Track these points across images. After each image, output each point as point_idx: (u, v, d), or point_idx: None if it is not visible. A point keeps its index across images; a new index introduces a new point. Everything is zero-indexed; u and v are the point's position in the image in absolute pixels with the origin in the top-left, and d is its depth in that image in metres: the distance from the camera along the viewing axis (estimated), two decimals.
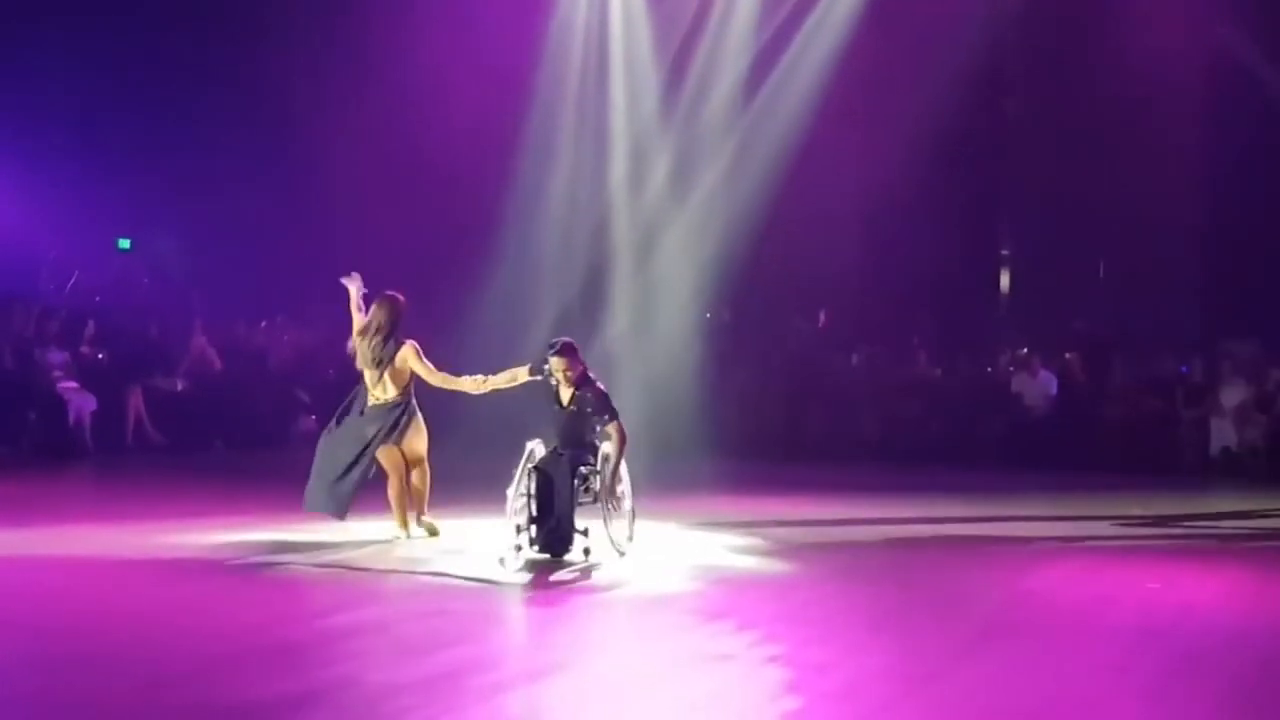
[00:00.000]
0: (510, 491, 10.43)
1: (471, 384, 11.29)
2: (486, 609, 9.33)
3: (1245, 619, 9.35)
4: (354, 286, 11.54)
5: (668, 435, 17.10)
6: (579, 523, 10.55)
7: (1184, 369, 19.81)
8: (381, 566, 10.44)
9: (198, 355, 18.80)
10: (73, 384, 17.12)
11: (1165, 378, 19.74)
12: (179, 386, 18.36)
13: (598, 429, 10.89)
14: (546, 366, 10.90)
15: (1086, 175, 21.12)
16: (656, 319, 19.82)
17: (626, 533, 10.90)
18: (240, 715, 6.63)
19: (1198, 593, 10.20)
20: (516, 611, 9.13)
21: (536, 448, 10.72)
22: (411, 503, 11.48)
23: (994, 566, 11.19)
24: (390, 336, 11.21)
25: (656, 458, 16.00)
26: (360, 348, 11.31)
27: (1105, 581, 10.60)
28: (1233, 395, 18.56)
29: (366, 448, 11.24)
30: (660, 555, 11.06)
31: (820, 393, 20.17)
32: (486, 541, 10.64)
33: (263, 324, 20.34)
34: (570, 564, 10.35)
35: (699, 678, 7.52)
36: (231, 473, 16.10)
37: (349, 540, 11.28)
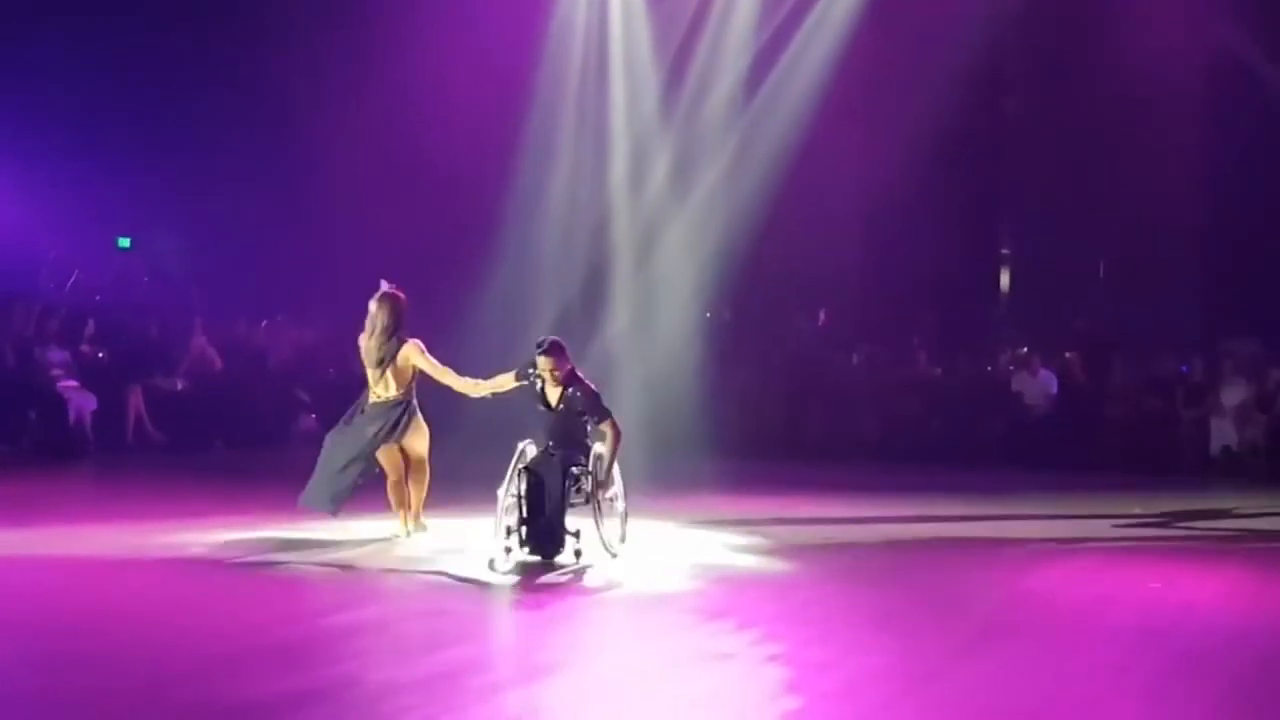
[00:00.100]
0: (500, 492, 10.35)
1: (468, 385, 11.23)
2: (486, 608, 9.34)
3: (1245, 619, 9.35)
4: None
5: (668, 434, 17.11)
6: (571, 524, 10.40)
7: (1184, 368, 19.81)
8: (381, 566, 10.44)
9: (198, 354, 18.79)
10: (73, 383, 17.10)
11: (1165, 377, 19.74)
12: (179, 386, 18.35)
13: (590, 428, 10.79)
14: (531, 370, 10.76)
15: (1086, 175, 21.14)
16: (657, 318, 19.81)
17: (619, 534, 10.80)
18: (240, 714, 6.63)
19: (1198, 592, 10.20)
20: (516, 611, 9.13)
21: (528, 448, 10.63)
22: (409, 505, 11.52)
23: (994, 566, 11.19)
24: (393, 334, 11.18)
25: (657, 456, 16.04)
26: (365, 346, 11.32)
27: (1105, 581, 10.60)
28: (1233, 395, 18.57)
29: (366, 446, 11.24)
30: (660, 554, 11.06)
31: (820, 392, 20.17)
32: (486, 541, 10.56)
33: (263, 323, 20.33)
34: (562, 566, 10.25)
35: (699, 677, 7.52)
36: (231, 472, 16.09)
37: (349, 539, 11.28)
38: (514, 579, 9.92)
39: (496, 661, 7.85)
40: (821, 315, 21.80)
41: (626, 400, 17.43)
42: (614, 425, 10.69)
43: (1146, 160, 20.13)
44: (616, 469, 10.84)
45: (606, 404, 10.81)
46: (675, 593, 9.74)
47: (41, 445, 16.59)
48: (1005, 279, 23.23)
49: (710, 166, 20.36)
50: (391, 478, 11.41)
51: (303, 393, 19.55)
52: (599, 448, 10.73)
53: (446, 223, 20.06)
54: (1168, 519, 14.06)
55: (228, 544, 10.93)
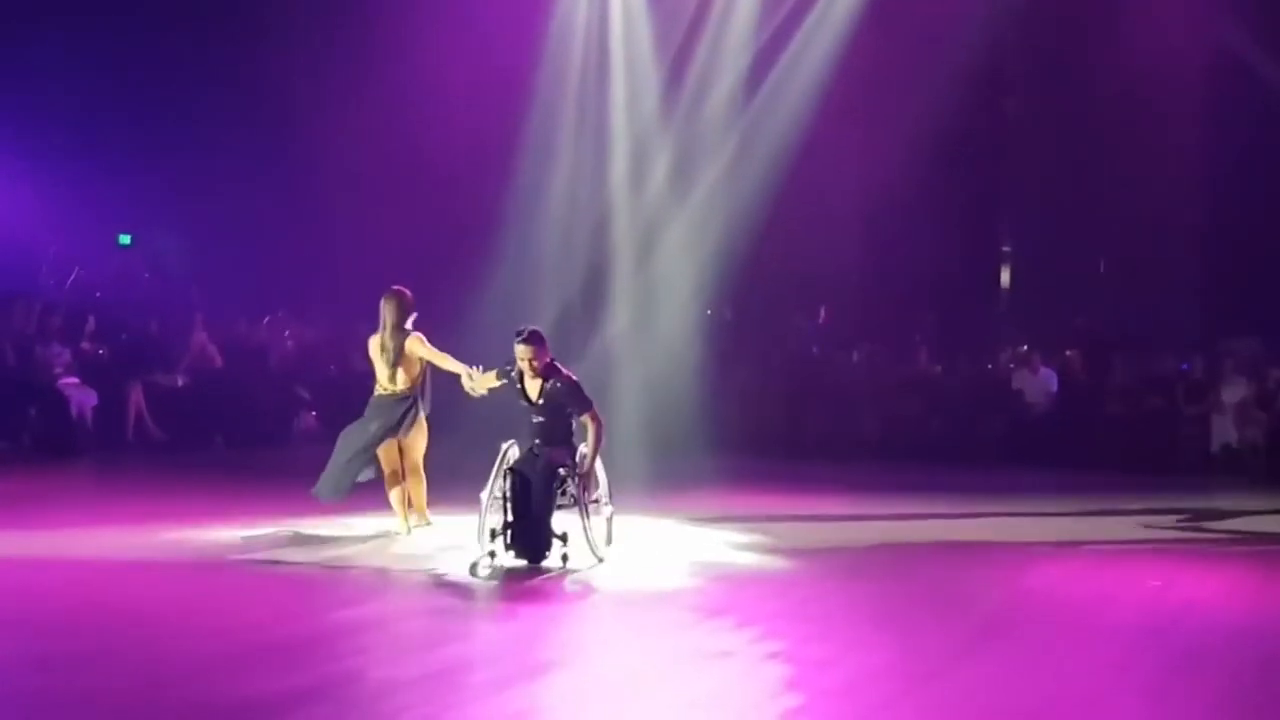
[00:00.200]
0: (484, 494, 10.16)
1: (463, 370, 11.25)
2: (486, 606, 9.34)
3: (1246, 617, 9.36)
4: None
5: (668, 433, 17.15)
6: (557, 526, 10.16)
7: (1184, 366, 19.81)
8: (381, 564, 10.45)
9: (198, 351, 18.79)
10: (74, 380, 17.11)
11: (1166, 375, 19.75)
12: (180, 383, 18.34)
13: (575, 424, 10.58)
14: (509, 366, 10.57)
15: (1087, 174, 21.15)
16: (657, 317, 19.81)
17: (605, 535, 10.61)
18: (241, 713, 6.63)
19: (1198, 591, 10.21)
20: (516, 608, 9.12)
21: (511, 449, 10.42)
22: (410, 505, 11.59)
23: (994, 564, 11.19)
24: (399, 329, 11.34)
25: (657, 455, 16.08)
26: (378, 342, 11.47)
27: (1105, 579, 10.61)
28: (1233, 393, 18.58)
29: (370, 440, 11.38)
30: (660, 552, 11.07)
31: (821, 391, 20.17)
32: (470, 544, 10.43)
33: (265, 320, 20.33)
34: (548, 570, 10.02)
35: (699, 675, 7.53)
36: (232, 469, 16.09)
37: (349, 537, 11.30)
38: (514, 577, 9.89)
39: (497, 659, 7.84)
40: (822, 314, 21.80)
41: (627, 399, 17.51)
42: (595, 417, 10.43)
43: (1147, 159, 20.14)
44: (601, 469, 10.64)
45: (589, 395, 10.56)
46: (675, 590, 9.74)
47: (42, 442, 16.59)
48: (1006, 277, 23.24)
49: (710, 166, 20.36)
50: (389, 475, 11.48)
51: (303, 390, 19.56)
52: (584, 447, 10.50)
53: (446, 222, 20.07)
54: (1168, 517, 14.05)
55: (228, 541, 10.94)
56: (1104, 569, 11.08)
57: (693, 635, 8.45)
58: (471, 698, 7.02)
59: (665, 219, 20.37)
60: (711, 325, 21.05)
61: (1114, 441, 18.47)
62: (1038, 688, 7.45)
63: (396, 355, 11.34)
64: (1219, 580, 10.63)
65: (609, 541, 10.62)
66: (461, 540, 10.94)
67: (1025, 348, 20.36)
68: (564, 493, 10.33)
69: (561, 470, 10.30)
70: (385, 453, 11.44)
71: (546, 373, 10.45)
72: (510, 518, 10.05)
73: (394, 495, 11.54)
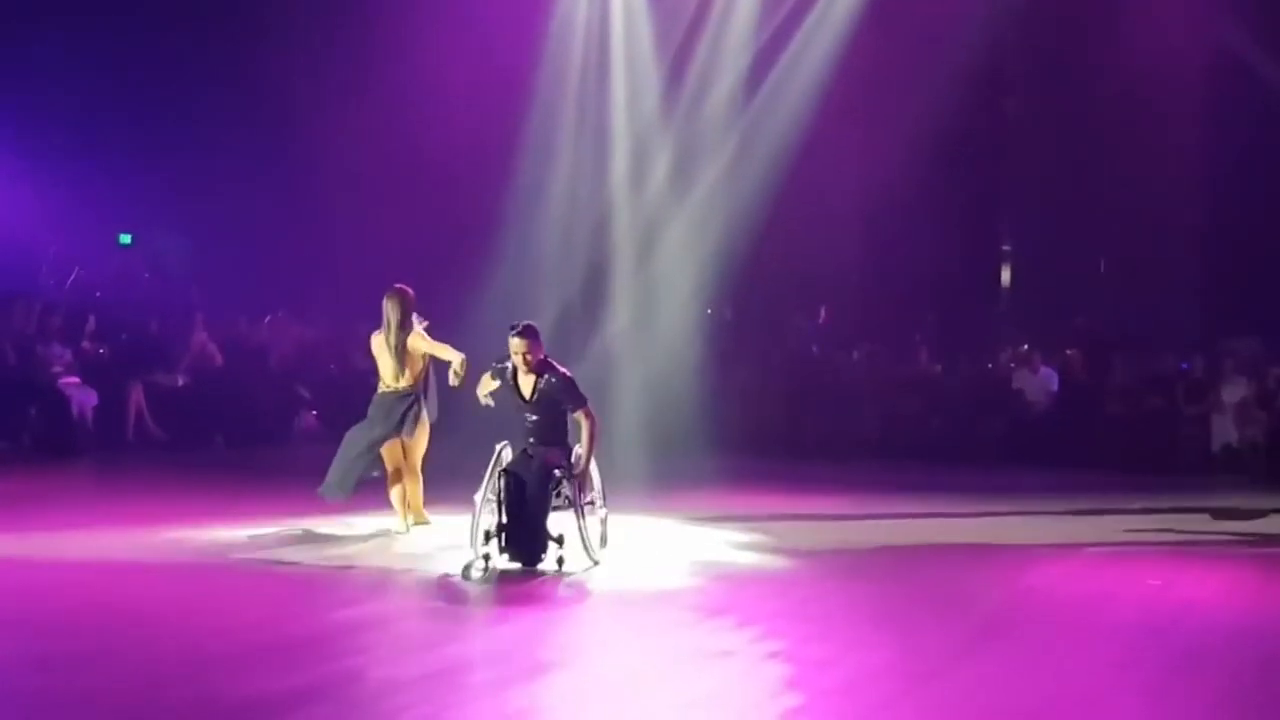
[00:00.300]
0: (477, 496, 10.01)
1: (456, 359, 11.30)
2: (487, 606, 9.34)
3: (1246, 617, 9.36)
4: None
5: (668, 432, 17.16)
6: (553, 529, 10.02)
7: (1185, 366, 19.81)
8: (382, 563, 10.46)
9: (199, 351, 18.79)
10: (74, 380, 17.11)
11: (1166, 375, 19.74)
12: (180, 382, 18.34)
13: (569, 424, 10.47)
14: (500, 364, 10.47)
15: (1087, 173, 21.16)
16: (657, 316, 19.81)
17: (599, 538, 10.47)
18: (242, 712, 6.63)
19: (1198, 590, 10.21)
20: (516, 608, 9.12)
21: (505, 450, 10.24)
22: (408, 505, 11.64)
23: (994, 563, 11.20)
24: (402, 327, 11.44)
25: (657, 454, 16.09)
26: (382, 341, 11.56)
27: (1106, 579, 10.61)
28: (1234, 392, 18.58)
29: (375, 439, 11.46)
30: (660, 551, 11.07)
31: (821, 390, 20.16)
32: (464, 547, 10.31)
33: (266, 320, 20.33)
34: (543, 573, 9.91)
35: (699, 674, 7.53)
36: (232, 469, 16.10)
37: (350, 536, 11.31)
38: (513, 577, 9.88)
39: (497, 658, 7.84)
40: (822, 313, 21.80)
41: (627, 398, 17.53)
42: (590, 414, 10.32)
43: (1147, 159, 20.14)
44: (595, 470, 10.50)
45: (583, 392, 10.47)
46: (675, 590, 9.74)
47: (43, 442, 16.59)
48: (1006, 277, 23.24)
49: (711, 165, 20.36)
50: (391, 473, 11.52)
51: (304, 389, 19.56)
52: (579, 448, 10.38)
53: (447, 222, 20.07)
54: (1168, 516, 14.04)
55: (228, 541, 10.94)
56: (1104, 568, 11.08)
57: (693, 635, 8.45)
58: (472, 697, 7.02)
59: (665, 218, 20.37)
60: (712, 325, 21.06)
61: (1114, 441, 18.47)
62: (1038, 687, 7.46)
63: (399, 353, 11.44)
64: (1219, 580, 10.63)
65: (603, 544, 10.51)
66: (461, 540, 10.92)
67: (1025, 347, 20.35)
68: (558, 494, 10.21)
69: (557, 471, 10.19)
70: (389, 451, 11.54)
71: (540, 369, 10.36)
72: (505, 520, 9.93)
73: (394, 494, 11.62)
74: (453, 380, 11.25)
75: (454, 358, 11.30)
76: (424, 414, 11.54)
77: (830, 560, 11.05)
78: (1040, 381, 19.68)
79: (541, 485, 10.02)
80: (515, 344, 10.32)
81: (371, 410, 11.60)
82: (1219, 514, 14.50)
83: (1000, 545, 12.08)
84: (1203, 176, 20.43)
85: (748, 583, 10.09)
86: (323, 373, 20.08)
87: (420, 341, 11.45)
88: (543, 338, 10.58)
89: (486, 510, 9.98)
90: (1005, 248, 23.34)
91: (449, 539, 11.03)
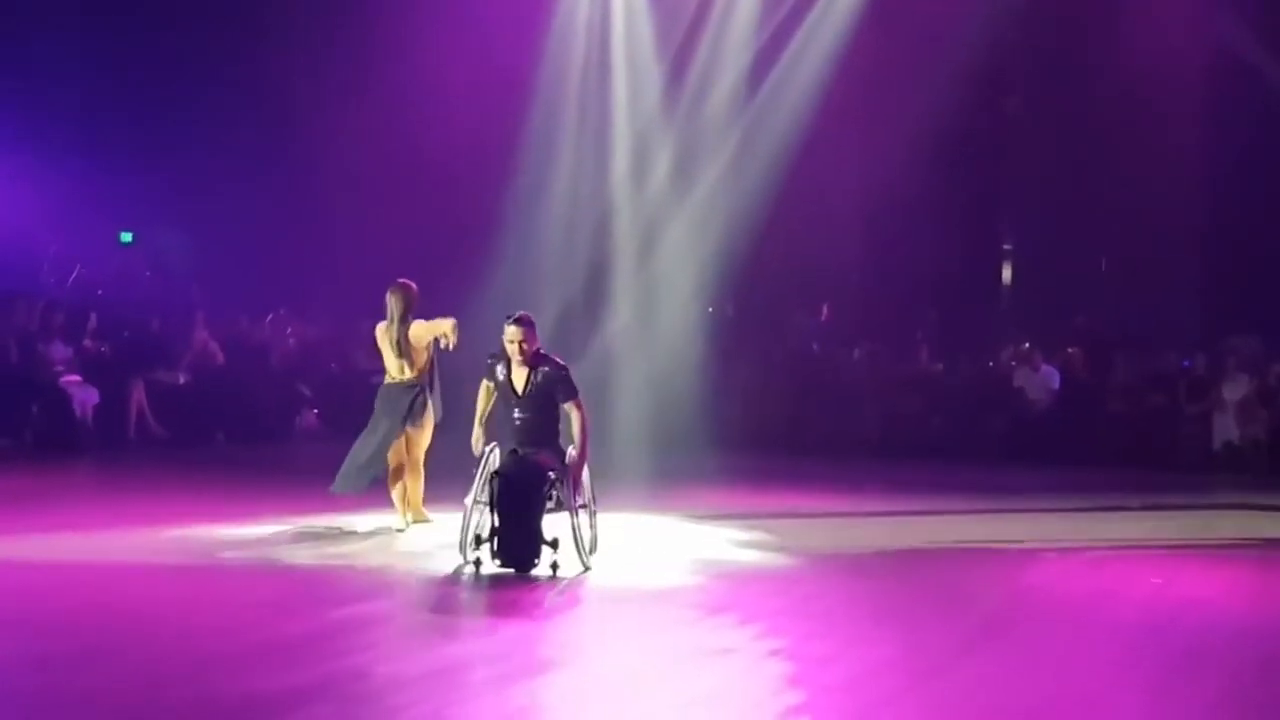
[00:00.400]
0: (468, 500, 9.91)
1: (448, 324, 11.36)
2: (490, 603, 9.33)
3: (1247, 616, 9.36)
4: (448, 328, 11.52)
5: (670, 430, 17.17)
6: (547, 533, 9.75)
7: (1186, 364, 19.82)
8: (383, 560, 10.45)
9: (200, 349, 18.80)
10: (76, 378, 17.12)
11: (1168, 373, 19.75)
12: (181, 380, 18.35)
13: (560, 407, 10.15)
14: (492, 360, 10.26)
15: (1088, 172, 21.15)
16: (659, 315, 19.83)
17: (589, 541, 10.18)
18: (244, 710, 6.63)
19: (1199, 589, 10.22)
20: (520, 605, 9.11)
21: (494, 453, 10.09)
22: (408, 502, 11.66)
23: (996, 562, 11.21)
24: (403, 320, 11.50)
25: (659, 452, 16.10)
26: (385, 333, 11.61)
27: (1107, 577, 10.61)
28: (1235, 390, 18.57)
29: (387, 437, 11.46)
30: (661, 549, 11.07)
31: (822, 388, 20.17)
32: (454, 554, 10.16)
33: (268, 318, 20.34)
34: (536, 578, 9.68)
35: (701, 672, 7.53)
36: (233, 467, 16.10)
37: (351, 534, 11.32)
38: (514, 577, 9.81)
39: (499, 656, 7.84)
40: (824, 311, 21.79)
41: (629, 396, 17.54)
42: (581, 406, 10.11)
43: (1148, 157, 20.15)
44: (586, 473, 10.23)
45: (577, 384, 10.27)
46: (676, 588, 9.74)
47: (44, 440, 16.60)
48: (1007, 275, 23.25)
49: (712, 164, 20.37)
50: (393, 469, 11.55)
51: (305, 388, 19.58)
52: (572, 451, 10.12)
53: (448, 221, 20.08)
54: (1170, 514, 14.06)
55: (229, 539, 10.95)
56: (1105, 566, 11.08)
57: (694, 632, 8.45)
58: (473, 695, 7.03)
59: (666, 217, 20.38)
60: (713, 323, 21.06)
61: (1116, 439, 18.48)
62: (1038, 685, 7.46)
63: (402, 346, 11.49)
64: (1220, 578, 10.64)
65: (593, 549, 10.22)
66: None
67: (1027, 345, 20.33)
68: (550, 496, 9.94)
69: (551, 474, 9.95)
70: (393, 447, 11.55)
71: (535, 360, 10.15)
72: (497, 524, 9.68)
73: (395, 490, 11.64)
74: (443, 344, 11.33)
75: (445, 324, 11.37)
76: (430, 406, 11.55)
77: (831, 558, 11.05)
78: (1041, 380, 19.68)
79: (535, 488, 9.80)
80: (511, 332, 10.11)
81: (377, 403, 11.64)
82: (1220, 512, 14.51)
83: (1001, 543, 12.08)
84: (1203, 175, 20.43)
85: (749, 580, 10.09)
86: (324, 371, 20.10)
87: (420, 329, 11.48)
88: (544, 337, 10.53)
89: (477, 514, 9.86)
90: (1006, 246, 23.34)
91: (449, 537, 11.00)
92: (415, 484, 11.65)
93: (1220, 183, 20.45)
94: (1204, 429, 18.69)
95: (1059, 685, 7.46)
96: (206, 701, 6.71)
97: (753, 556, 11.00)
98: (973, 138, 21.71)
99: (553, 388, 10.12)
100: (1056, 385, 19.63)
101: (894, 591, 9.88)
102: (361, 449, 11.53)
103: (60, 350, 17.31)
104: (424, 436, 11.59)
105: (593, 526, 10.35)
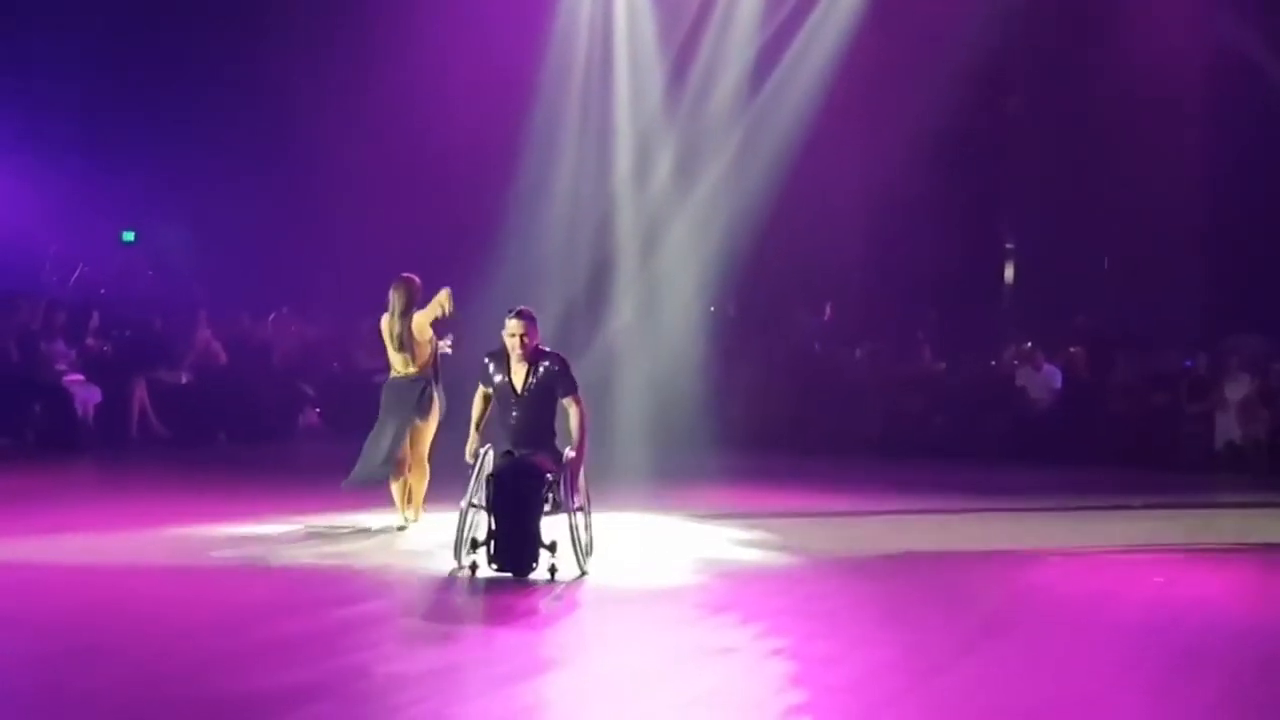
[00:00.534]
0: (463, 503, 9.75)
1: (442, 293, 11.40)
2: (491, 602, 9.33)
3: (1248, 616, 9.37)
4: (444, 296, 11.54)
5: (672, 429, 17.16)
6: (545, 536, 9.56)
7: (1188, 363, 19.82)
8: (385, 559, 10.45)
9: (202, 348, 18.80)
10: (78, 377, 17.13)
11: (1170, 372, 19.74)
12: (183, 379, 18.35)
13: (559, 402, 9.94)
14: (488, 362, 10.02)
15: (1090, 171, 21.14)
16: (661, 313, 19.83)
17: (586, 545, 9.95)
18: (246, 708, 6.63)
19: (1201, 588, 10.22)
20: (522, 604, 9.11)
21: (489, 455, 9.89)
22: (409, 498, 11.66)
23: (998, 561, 11.20)
24: (405, 314, 11.51)
25: (661, 451, 16.09)
26: (386, 327, 11.62)
27: (1108, 577, 10.62)
28: (1237, 390, 18.56)
29: (399, 433, 11.44)
30: (663, 548, 11.08)
31: (824, 387, 20.16)
32: (449, 558, 10.00)
33: (270, 317, 20.35)
34: (534, 583, 9.51)
35: (703, 671, 7.54)
36: (235, 466, 16.10)
37: (353, 533, 11.33)
38: (513, 578, 9.79)
39: (501, 655, 7.85)
40: (827, 310, 21.78)
41: (631, 396, 17.53)
42: (580, 402, 9.92)
43: (1149, 157, 20.13)
44: (582, 475, 10.01)
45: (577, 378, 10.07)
46: (678, 587, 9.74)
47: (46, 439, 16.60)
48: (1009, 274, 23.24)
49: (714, 162, 20.37)
50: (396, 465, 11.55)
51: (307, 387, 19.58)
52: (569, 450, 9.92)
53: (450, 220, 20.07)
54: (1172, 514, 14.06)
55: (231, 538, 10.95)
56: (1107, 566, 11.08)
57: (696, 632, 8.46)
58: (475, 693, 7.03)
59: (668, 216, 20.38)
60: (714, 322, 21.05)
61: (1117, 439, 18.47)
62: (1040, 685, 7.46)
63: (404, 340, 11.49)
64: (1222, 578, 10.64)
65: (589, 553, 10.00)
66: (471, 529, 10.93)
67: (1029, 345, 20.32)
68: (547, 499, 9.74)
69: (549, 475, 9.74)
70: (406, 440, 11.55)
71: (535, 356, 9.95)
72: (494, 527, 9.50)
73: (396, 486, 11.60)
74: (442, 312, 11.35)
75: (439, 297, 11.39)
76: (436, 399, 11.53)
77: (833, 558, 11.05)
78: (1043, 379, 19.67)
79: (534, 490, 9.61)
80: (513, 325, 9.90)
81: (383, 399, 11.61)
82: (1222, 511, 14.51)
83: (1003, 543, 12.08)
84: (1205, 174, 20.41)
85: (750, 580, 10.09)
86: (326, 370, 20.10)
87: (421, 317, 11.47)
88: (546, 336, 10.41)
89: (472, 517, 9.72)
90: (1008, 245, 23.33)
91: (449, 537, 11.00)
92: (420, 481, 11.62)
93: (1222, 182, 20.43)
94: (1206, 429, 18.68)
95: (1060, 685, 7.46)
96: (207, 701, 6.71)
97: (754, 556, 11.00)
98: (974, 137, 21.70)
99: (554, 382, 9.93)
100: (1058, 385, 19.62)
101: (896, 591, 9.88)
102: (375, 445, 11.50)
103: (62, 349, 17.31)
104: (429, 431, 11.58)
105: (588, 529, 10.09)
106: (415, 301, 11.54)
